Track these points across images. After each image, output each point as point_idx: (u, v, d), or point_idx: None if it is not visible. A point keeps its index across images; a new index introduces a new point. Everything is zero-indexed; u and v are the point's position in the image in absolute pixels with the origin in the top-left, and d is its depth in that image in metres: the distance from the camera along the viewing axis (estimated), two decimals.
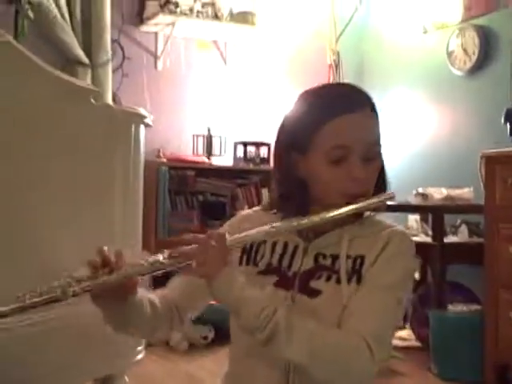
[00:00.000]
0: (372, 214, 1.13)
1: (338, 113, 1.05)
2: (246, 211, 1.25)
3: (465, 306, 2.76)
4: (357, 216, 1.10)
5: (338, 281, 1.05)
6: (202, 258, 0.99)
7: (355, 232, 1.09)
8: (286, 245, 1.11)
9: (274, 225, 1.03)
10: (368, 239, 1.08)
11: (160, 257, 1.00)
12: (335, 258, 1.07)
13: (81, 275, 0.97)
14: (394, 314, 1.06)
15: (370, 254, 1.06)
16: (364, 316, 1.01)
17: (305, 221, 1.03)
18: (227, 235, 1.02)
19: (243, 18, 3.92)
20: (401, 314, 1.08)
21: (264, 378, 1.08)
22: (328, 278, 1.06)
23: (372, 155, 1.07)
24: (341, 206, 1.03)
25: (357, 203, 1.04)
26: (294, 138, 1.09)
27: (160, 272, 1.01)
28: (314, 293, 1.05)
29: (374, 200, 1.06)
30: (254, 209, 1.23)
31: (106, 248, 1.02)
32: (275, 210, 1.15)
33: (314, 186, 1.09)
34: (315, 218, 1.03)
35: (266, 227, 1.03)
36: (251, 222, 1.11)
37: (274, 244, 1.12)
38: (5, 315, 0.92)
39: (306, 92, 1.14)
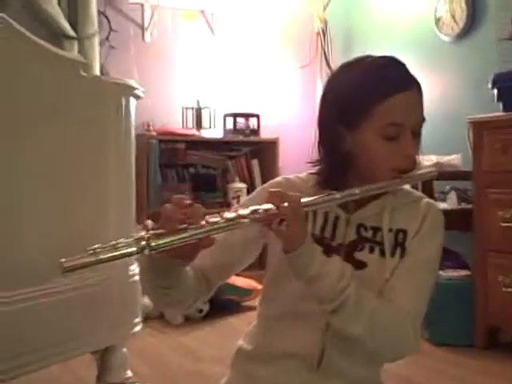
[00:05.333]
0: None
1: (395, 91, 1.05)
2: (287, 176, 1.18)
3: (455, 271, 2.80)
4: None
5: (382, 253, 1.07)
6: (291, 221, 0.93)
7: (394, 202, 1.10)
8: (326, 215, 1.10)
9: (337, 193, 1.01)
10: (407, 209, 1.11)
11: (240, 212, 0.92)
12: (376, 229, 1.09)
13: (160, 230, 0.86)
14: (431, 288, 1.09)
15: (410, 227, 1.09)
16: (407, 293, 1.05)
17: (365, 189, 1.03)
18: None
19: None
20: (433, 285, 1.11)
21: (299, 339, 1.08)
22: (371, 250, 1.08)
23: (419, 131, 1.11)
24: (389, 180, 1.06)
25: (405, 177, 1.07)
26: (344, 112, 1.07)
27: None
28: (360, 264, 1.06)
29: (424, 174, 1.11)
30: (296, 175, 1.18)
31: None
32: (311, 183, 1.12)
33: (362, 160, 1.07)
34: (373, 187, 1.04)
35: (329, 196, 1.00)
36: (298, 191, 1.06)
37: (315, 214, 1.10)
38: (73, 269, 0.79)
39: (354, 65, 1.10)
